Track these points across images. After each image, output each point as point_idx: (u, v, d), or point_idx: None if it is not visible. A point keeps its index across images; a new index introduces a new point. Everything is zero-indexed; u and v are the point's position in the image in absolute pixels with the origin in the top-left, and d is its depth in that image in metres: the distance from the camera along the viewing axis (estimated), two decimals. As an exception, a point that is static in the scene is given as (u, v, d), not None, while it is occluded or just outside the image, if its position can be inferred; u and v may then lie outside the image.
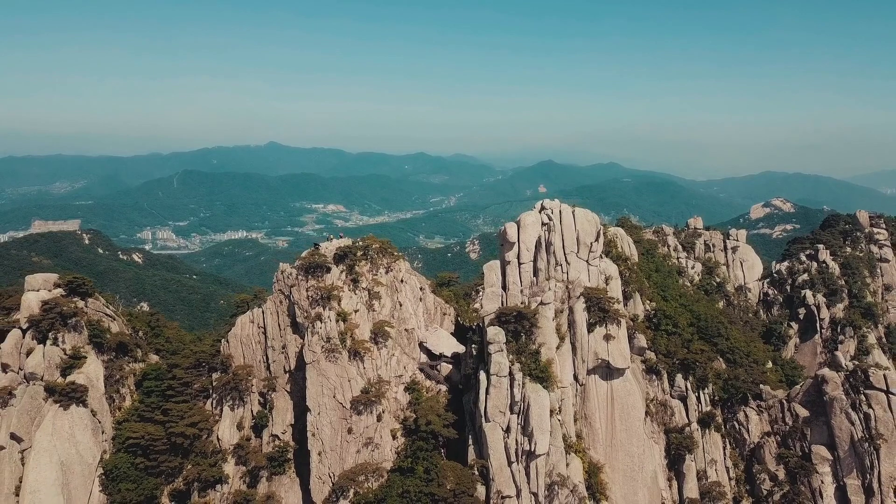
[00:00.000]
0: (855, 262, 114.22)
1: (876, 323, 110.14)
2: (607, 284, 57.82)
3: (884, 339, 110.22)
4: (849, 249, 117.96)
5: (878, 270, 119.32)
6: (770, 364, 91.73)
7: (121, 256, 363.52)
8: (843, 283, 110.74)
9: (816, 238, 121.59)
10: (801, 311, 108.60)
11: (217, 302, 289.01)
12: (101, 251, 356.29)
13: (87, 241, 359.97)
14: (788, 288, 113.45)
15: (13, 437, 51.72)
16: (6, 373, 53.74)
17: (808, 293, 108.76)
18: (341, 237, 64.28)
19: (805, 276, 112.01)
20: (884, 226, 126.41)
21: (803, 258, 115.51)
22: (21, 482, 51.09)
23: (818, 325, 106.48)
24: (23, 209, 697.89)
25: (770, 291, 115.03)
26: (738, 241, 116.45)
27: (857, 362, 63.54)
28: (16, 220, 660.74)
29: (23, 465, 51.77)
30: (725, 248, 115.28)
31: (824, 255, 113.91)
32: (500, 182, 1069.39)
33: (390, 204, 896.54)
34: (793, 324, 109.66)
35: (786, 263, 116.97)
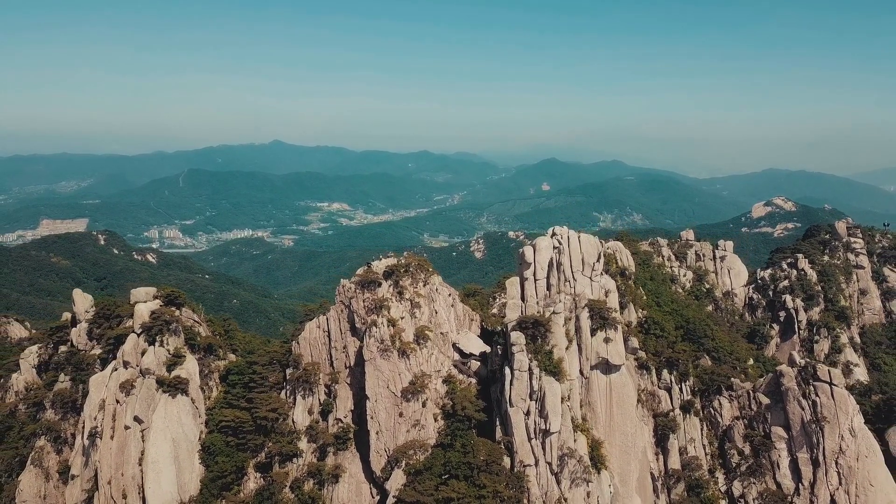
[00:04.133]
0: (831, 270, 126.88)
1: (849, 324, 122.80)
2: (606, 297, 70.82)
3: (856, 339, 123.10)
4: (826, 258, 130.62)
5: (855, 276, 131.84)
6: (751, 361, 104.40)
7: (135, 257, 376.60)
8: (820, 288, 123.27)
9: (797, 248, 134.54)
10: (782, 314, 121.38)
11: (231, 301, 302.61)
12: (116, 251, 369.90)
13: (102, 242, 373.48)
14: (771, 293, 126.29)
15: (136, 419, 65.11)
16: (127, 368, 67.20)
17: (788, 298, 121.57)
18: (390, 255, 77.49)
19: (786, 283, 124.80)
20: (860, 235, 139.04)
21: (784, 266, 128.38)
22: (143, 454, 64.60)
23: (796, 326, 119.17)
24: (31, 208, 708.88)
25: (754, 296, 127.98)
26: (725, 251, 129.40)
27: (808, 360, 76.64)
28: (24, 218, 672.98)
29: (143, 441, 65.21)
30: (714, 257, 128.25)
31: (803, 263, 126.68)
32: (504, 180, 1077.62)
33: (394, 202, 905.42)
34: (774, 325, 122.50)
35: (769, 271, 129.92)
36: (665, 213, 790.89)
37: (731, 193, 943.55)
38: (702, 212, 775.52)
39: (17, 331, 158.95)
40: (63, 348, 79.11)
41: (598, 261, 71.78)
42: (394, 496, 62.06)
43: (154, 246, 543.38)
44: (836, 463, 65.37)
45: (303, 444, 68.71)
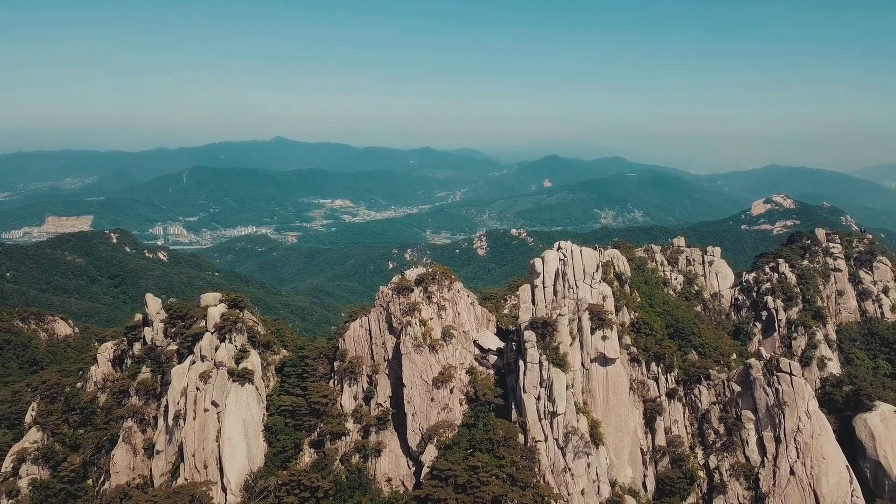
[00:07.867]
0: (809, 273, 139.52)
1: (824, 323, 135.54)
2: (604, 301, 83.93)
3: (832, 336, 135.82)
4: (805, 262, 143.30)
5: (833, 279, 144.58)
6: (735, 356, 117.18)
7: (147, 255, 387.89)
8: (798, 290, 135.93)
9: (779, 253, 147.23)
10: (764, 313, 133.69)
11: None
12: (128, 250, 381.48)
13: (114, 241, 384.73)
14: (754, 294, 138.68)
15: (213, 403, 78.06)
16: (203, 362, 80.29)
17: (770, 299, 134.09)
18: (425, 263, 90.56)
19: (768, 285, 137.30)
20: (838, 241, 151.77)
21: (767, 270, 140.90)
22: (219, 433, 77.72)
23: (776, 324, 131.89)
24: (36, 205, 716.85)
25: (740, 297, 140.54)
26: (714, 256, 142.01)
27: (774, 353, 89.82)
28: (30, 215, 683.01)
29: (219, 422, 78.31)
30: (703, 262, 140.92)
31: (784, 267, 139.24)
32: (506, 177, 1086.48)
33: (396, 199, 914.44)
34: (757, 324, 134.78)
35: (753, 274, 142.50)
36: (666, 209, 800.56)
37: (732, 190, 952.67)
38: (703, 208, 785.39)
39: (62, 328, 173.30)
40: (137, 345, 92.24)
41: (596, 270, 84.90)
42: (428, 466, 75.17)
43: (159, 243, 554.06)
44: (795, 440, 78.53)
45: (349, 424, 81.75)
